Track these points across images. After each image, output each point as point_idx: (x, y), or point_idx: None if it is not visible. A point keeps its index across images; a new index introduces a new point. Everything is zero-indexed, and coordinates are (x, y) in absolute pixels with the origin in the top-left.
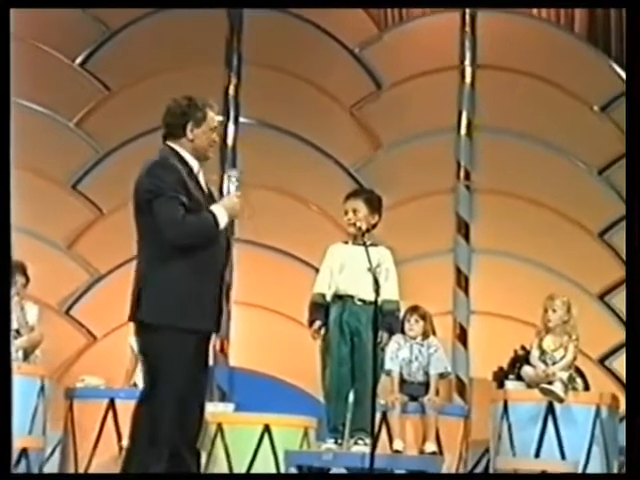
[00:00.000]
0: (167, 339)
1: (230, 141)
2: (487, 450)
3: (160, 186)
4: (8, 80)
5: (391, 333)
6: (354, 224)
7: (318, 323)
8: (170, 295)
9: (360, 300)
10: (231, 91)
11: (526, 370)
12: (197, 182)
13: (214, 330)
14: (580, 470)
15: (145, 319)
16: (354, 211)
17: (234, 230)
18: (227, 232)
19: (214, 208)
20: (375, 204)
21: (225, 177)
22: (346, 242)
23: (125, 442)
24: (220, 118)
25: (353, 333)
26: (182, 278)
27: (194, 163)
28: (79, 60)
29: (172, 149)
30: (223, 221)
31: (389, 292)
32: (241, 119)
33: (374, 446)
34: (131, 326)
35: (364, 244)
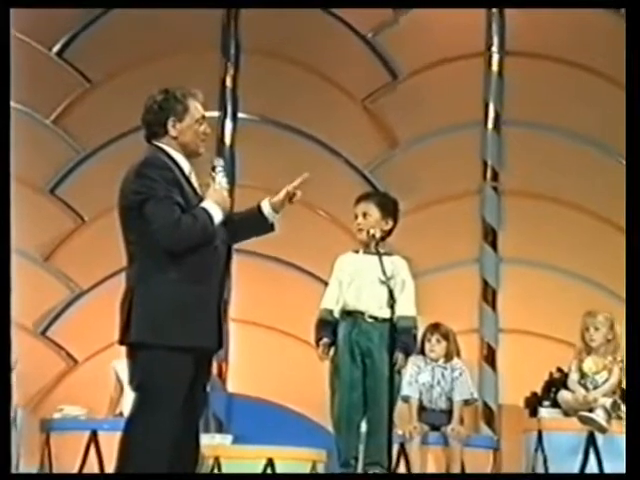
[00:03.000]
0: (160, 360)
1: (227, 139)
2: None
3: (151, 186)
4: (8, 81)
5: (407, 354)
6: (365, 230)
7: (325, 340)
8: (163, 309)
9: (371, 317)
10: (228, 83)
11: (563, 395)
12: (190, 184)
13: (215, 347)
14: None
15: (136, 339)
16: (364, 215)
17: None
18: (225, 236)
19: (205, 205)
20: (389, 208)
21: (210, 168)
22: (357, 251)
23: None
24: (215, 113)
25: (364, 354)
26: (176, 289)
27: (184, 163)
28: (56, 49)
29: (159, 148)
30: (218, 217)
31: (404, 307)
32: (239, 114)
33: None
34: (120, 349)
35: (377, 253)
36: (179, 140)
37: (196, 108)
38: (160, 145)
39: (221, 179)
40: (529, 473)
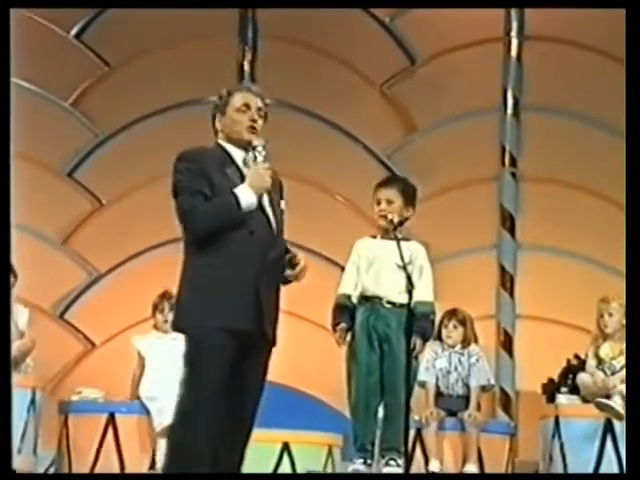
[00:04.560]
0: (190, 341)
1: None
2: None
3: (179, 179)
4: (8, 81)
5: (425, 339)
6: (387, 217)
7: (343, 325)
8: (192, 292)
9: (389, 302)
10: (246, 67)
11: (582, 378)
12: (239, 172)
13: (250, 329)
14: None
15: (178, 325)
16: (388, 202)
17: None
18: (272, 218)
19: (237, 188)
20: (410, 195)
21: (250, 148)
22: (374, 236)
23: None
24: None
25: (382, 339)
26: (205, 273)
27: (237, 153)
28: (74, 31)
29: (216, 143)
30: (247, 200)
31: (422, 292)
32: None
33: (408, 468)
34: (139, 330)
35: (395, 238)
36: (224, 132)
37: (236, 99)
38: (218, 141)
39: (260, 158)
40: (526, 473)
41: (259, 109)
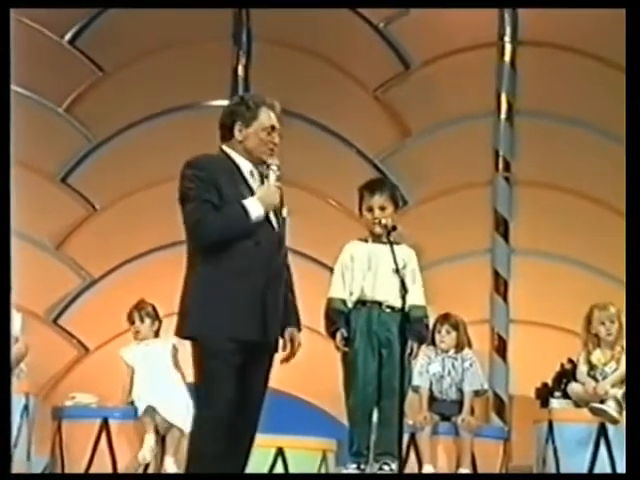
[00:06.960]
0: (196, 352)
1: None
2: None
3: (187, 186)
4: (8, 81)
5: (421, 342)
6: (381, 222)
7: (343, 331)
8: (190, 301)
9: (389, 307)
10: (240, 71)
11: (573, 388)
12: (245, 183)
13: (256, 339)
14: None
15: (184, 333)
16: (381, 208)
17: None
18: (277, 229)
19: (247, 200)
20: (398, 199)
21: (264, 167)
22: (365, 240)
23: None
24: (227, 102)
25: (382, 345)
26: (216, 282)
27: (246, 165)
28: (68, 37)
29: (222, 150)
30: (256, 212)
31: (416, 296)
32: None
33: (401, 472)
34: (131, 338)
35: (388, 242)
36: (244, 145)
37: (268, 117)
38: (224, 148)
39: (273, 177)
40: (526, 473)
41: (278, 129)
